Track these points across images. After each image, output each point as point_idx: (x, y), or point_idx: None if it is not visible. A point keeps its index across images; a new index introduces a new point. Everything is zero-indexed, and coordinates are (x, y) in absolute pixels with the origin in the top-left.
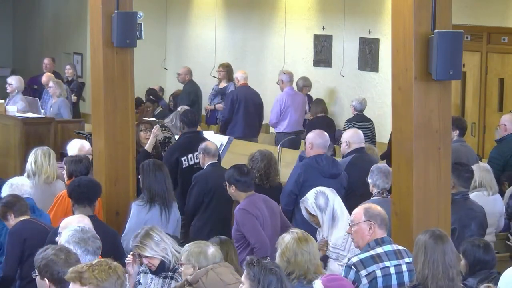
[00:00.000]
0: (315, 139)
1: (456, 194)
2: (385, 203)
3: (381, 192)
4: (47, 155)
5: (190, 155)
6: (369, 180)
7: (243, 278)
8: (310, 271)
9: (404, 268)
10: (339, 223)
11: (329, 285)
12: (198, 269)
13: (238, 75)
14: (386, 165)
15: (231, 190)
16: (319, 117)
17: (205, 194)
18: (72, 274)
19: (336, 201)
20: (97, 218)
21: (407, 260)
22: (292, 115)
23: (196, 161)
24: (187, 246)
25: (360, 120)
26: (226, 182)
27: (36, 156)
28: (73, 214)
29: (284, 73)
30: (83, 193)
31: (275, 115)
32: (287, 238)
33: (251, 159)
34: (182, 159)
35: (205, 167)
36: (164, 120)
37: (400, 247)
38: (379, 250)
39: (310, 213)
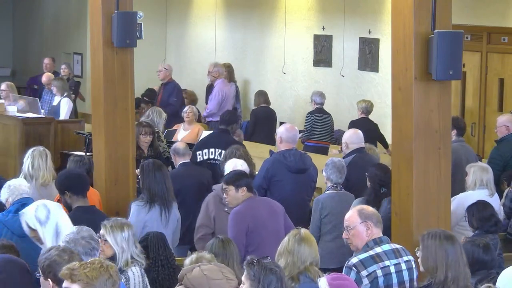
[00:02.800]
0: (284, 134)
1: None
2: (338, 196)
3: (335, 185)
4: (44, 157)
5: (205, 151)
6: (324, 174)
7: (243, 278)
8: (293, 274)
9: (403, 266)
10: None
11: (333, 282)
12: None
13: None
14: (342, 159)
15: (240, 192)
16: (262, 107)
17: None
18: (65, 271)
19: (61, 217)
20: (96, 209)
21: (405, 258)
22: (228, 105)
23: (211, 156)
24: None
25: (320, 113)
26: (232, 186)
27: (33, 159)
28: (70, 207)
29: (218, 66)
30: (84, 183)
31: (216, 105)
32: (286, 237)
33: (225, 155)
34: (197, 153)
35: (176, 167)
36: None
37: (398, 246)
38: (378, 249)
39: (30, 227)
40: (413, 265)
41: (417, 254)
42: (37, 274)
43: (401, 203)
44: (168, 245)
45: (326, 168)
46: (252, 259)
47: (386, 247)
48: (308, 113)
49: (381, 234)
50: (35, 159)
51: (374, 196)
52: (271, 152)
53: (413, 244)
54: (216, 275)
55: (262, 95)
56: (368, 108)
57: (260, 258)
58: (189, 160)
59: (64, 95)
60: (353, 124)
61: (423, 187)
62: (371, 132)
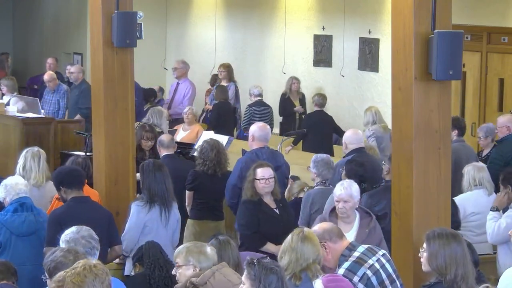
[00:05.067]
0: (257, 132)
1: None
2: (328, 192)
3: (323, 181)
4: (37, 158)
5: None
6: (313, 170)
7: (243, 278)
8: (295, 271)
9: (383, 260)
10: None
11: (329, 285)
12: (200, 270)
13: None
14: (328, 155)
15: None
16: (222, 102)
17: None
18: (53, 285)
19: None
20: (90, 199)
21: (380, 253)
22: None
23: None
24: (181, 247)
25: (260, 105)
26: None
27: (25, 160)
28: (65, 199)
29: (185, 63)
30: (75, 177)
31: (191, 102)
32: (290, 235)
33: (200, 151)
34: None
35: (160, 159)
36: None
37: (367, 245)
38: (356, 254)
39: None
40: (389, 257)
41: (421, 255)
42: (44, 277)
43: (401, 203)
44: (164, 251)
45: (317, 165)
46: (252, 259)
47: (361, 248)
48: (247, 105)
49: (347, 241)
50: (27, 161)
51: None
52: (243, 151)
53: (413, 244)
54: (236, 279)
55: (223, 93)
56: (321, 101)
57: (260, 258)
58: (173, 153)
59: (14, 94)
60: (309, 117)
61: (423, 187)
62: (327, 123)
